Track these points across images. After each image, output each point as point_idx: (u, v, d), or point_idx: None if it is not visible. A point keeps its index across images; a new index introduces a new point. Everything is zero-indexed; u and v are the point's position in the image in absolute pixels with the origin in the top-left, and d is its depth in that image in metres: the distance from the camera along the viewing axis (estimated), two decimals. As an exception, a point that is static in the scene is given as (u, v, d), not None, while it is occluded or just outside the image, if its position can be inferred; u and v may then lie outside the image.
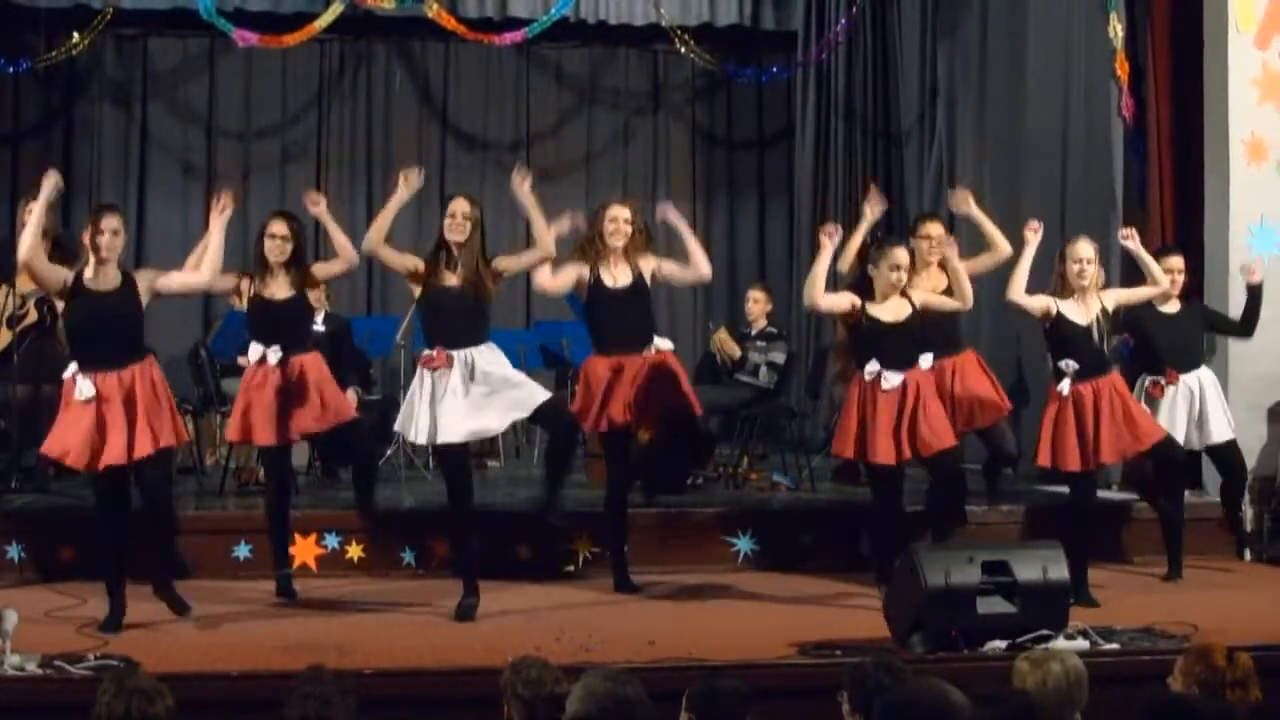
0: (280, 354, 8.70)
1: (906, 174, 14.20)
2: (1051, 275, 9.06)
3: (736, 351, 11.57)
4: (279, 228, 8.92)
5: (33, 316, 10.17)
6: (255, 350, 8.78)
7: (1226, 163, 10.70)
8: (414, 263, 8.62)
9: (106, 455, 7.96)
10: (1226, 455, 9.84)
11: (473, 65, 15.16)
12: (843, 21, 14.13)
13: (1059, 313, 8.90)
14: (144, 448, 8.00)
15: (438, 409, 8.37)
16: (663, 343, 9.10)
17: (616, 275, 9.08)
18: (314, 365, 8.82)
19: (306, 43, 13.79)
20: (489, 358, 8.47)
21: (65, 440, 8.05)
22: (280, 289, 8.83)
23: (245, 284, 8.94)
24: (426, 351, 8.51)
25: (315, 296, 9.30)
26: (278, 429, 8.72)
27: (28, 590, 8.95)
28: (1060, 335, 8.92)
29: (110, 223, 8.18)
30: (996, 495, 10.12)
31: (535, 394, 8.56)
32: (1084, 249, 8.98)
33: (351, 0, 13.23)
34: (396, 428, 8.89)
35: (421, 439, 8.60)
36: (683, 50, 13.95)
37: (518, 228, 14.25)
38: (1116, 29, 10.90)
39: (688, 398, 9.11)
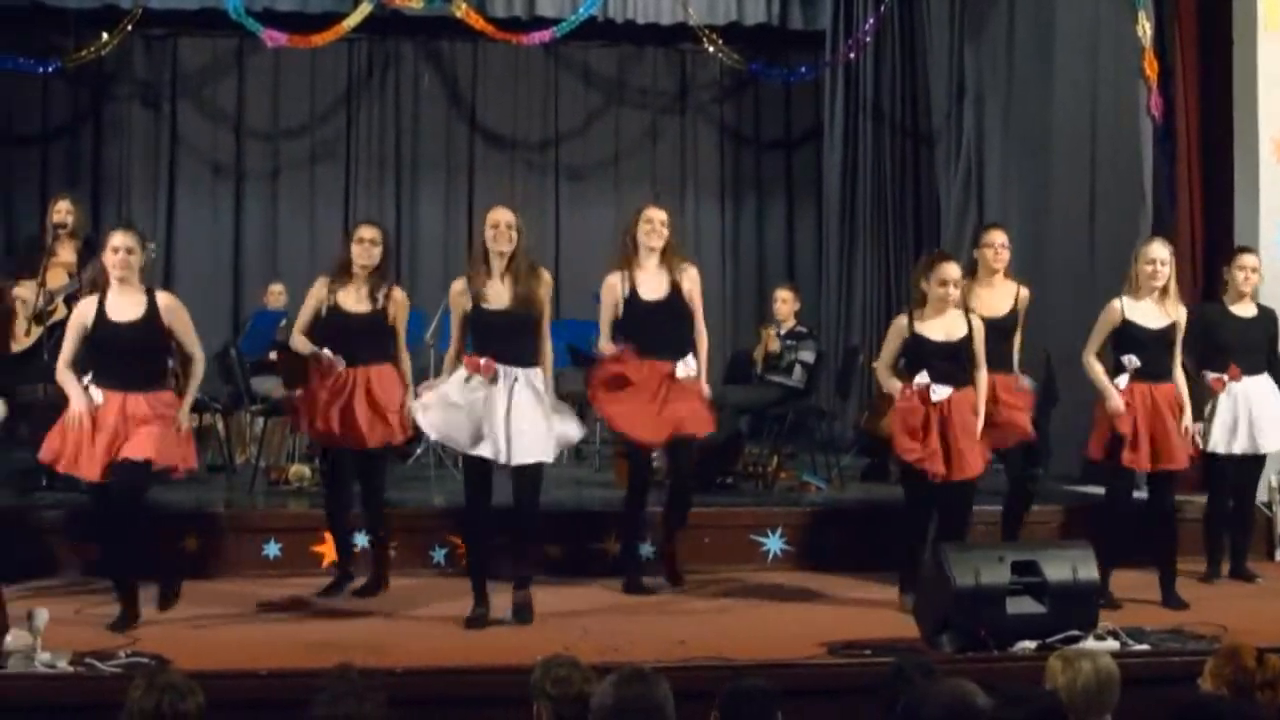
0: (344, 365, 8.67)
1: (936, 173, 14.16)
2: (1124, 275, 8.99)
3: (777, 346, 11.52)
4: (370, 232, 8.84)
5: (61, 313, 10.18)
6: (325, 355, 8.70)
7: (1256, 160, 10.68)
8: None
9: (85, 471, 7.99)
10: (1256, 467, 9.77)
11: (501, 65, 15.18)
12: (870, 21, 14.10)
13: (1125, 316, 8.84)
14: (127, 450, 7.94)
15: (511, 427, 8.16)
16: (689, 365, 9.02)
17: (653, 286, 9.00)
18: (380, 379, 8.74)
19: (335, 43, 13.82)
20: (535, 384, 8.32)
21: (54, 445, 8.09)
22: (358, 300, 8.76)
23: (321, 288, 8.83)
24: (481, 360, 8.28)
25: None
26: (338, 435, 8.70)
27: (59, 588, 8.99)
28: (1126, 335, 8.86)
29: (119, 240, 8.12)
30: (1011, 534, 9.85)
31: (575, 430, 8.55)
32: (1158, 250, 8.89)
33: (380, 0, 13.26)
34: (437, 435, 8.65)
35: (501, 458, 8.21)
36: (710, 50, 13.93)
37: (546, 230, 14.36)
38: (1144, 27, 10.85)
39: (703, 421, 9.05)
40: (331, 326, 8.76)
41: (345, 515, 9.03)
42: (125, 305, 8.11)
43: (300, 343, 8.84)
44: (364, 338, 8.74)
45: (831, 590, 9.20)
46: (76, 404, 8.01)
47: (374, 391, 8.68)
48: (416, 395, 8.61)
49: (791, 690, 5.56)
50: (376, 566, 9.09)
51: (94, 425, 7.97)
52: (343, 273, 8.80)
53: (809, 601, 8.97)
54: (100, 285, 8.27)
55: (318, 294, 8.84)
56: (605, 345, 9.10)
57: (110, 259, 8.09)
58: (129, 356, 8.07)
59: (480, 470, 8.27)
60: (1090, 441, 9.08)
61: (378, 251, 8.79)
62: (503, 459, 8.18)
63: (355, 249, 8.76)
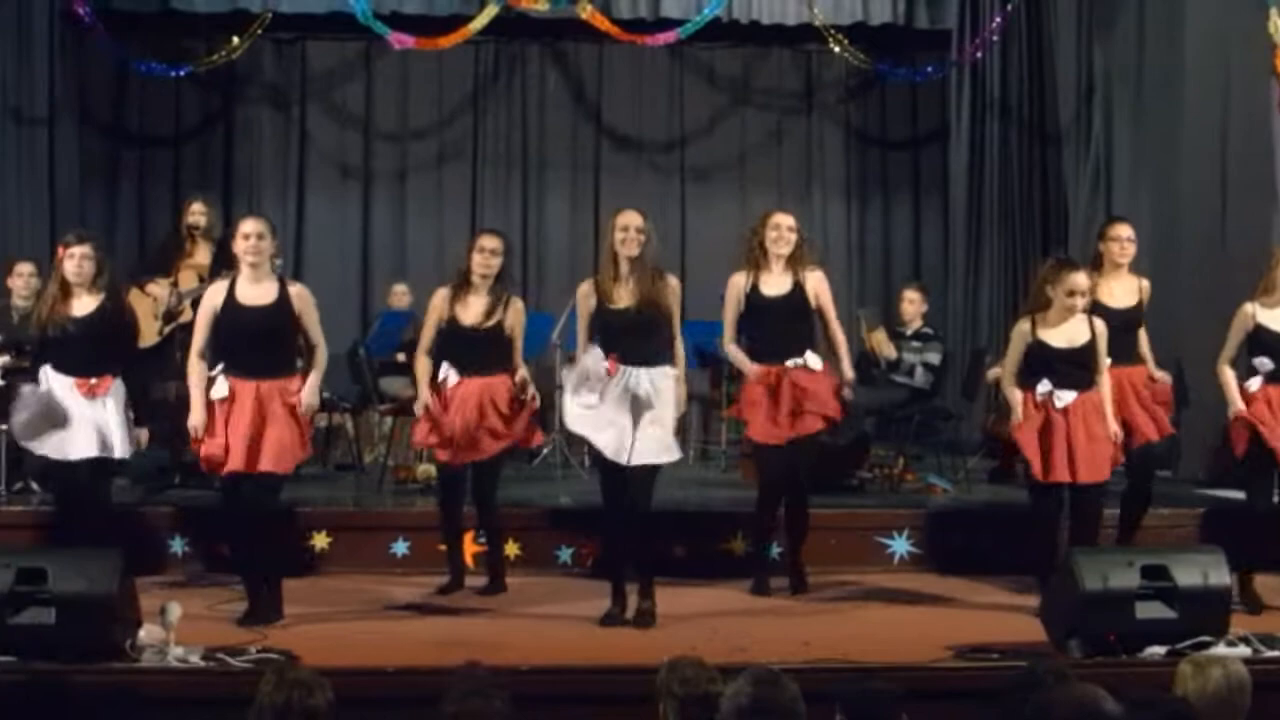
0: (457, 377, 8.72)
1: (1064, 172, 14.03)
2: (1258, 279, 8.88)
3: (892, 352, 11.48)
4: (491, 242, 8.86)
5: (188, 315, 10.33)
6: (443, 371, 8.77)
7: (1389, 155, 10.52)
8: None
9: (230, 462, 8.07)
10: None
11: (625, 66, 15.20)
12: (997, 19, 14.00)
13: (1257, 321, 8.73)
14: (265, 464, 8.06)
15: (632, 427, 8.18)
16: (813, 359, 9.02)
17: (775, 283, 9.00)
18: (496, 390, 8.76)
19: (461, 45, 13.91)
20: (658, 385, 8.34)
21: (204, 449, 8.19)
22: (477, 313, 8.79)
23: (441, 302, 8.85)
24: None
25: None
26: (454, 447, 8.73)
27: (191, 584, 9.13)
28: (1257, 340, 8.75)
29: (250, 227, 8.23)
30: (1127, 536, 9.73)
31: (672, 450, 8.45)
32: None
33: (505, 2, 13.33)
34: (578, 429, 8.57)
35: (622, 458, 8.19)
36: (836, 50, 13.90)
37: (671, 231, 14.36)
38: (1275, 24, 10.71)
39: (829, 417, 9.03)
40: (451, 339, 8.80)
41: (459, 516, 9.07)
42: (256, 291, 8.22)
43: (421, 368, 8.92)
44: (482, 350, 8.76)
45: (957, 593, 9.15)
46: (195, 415, 8.15)
47: (490, 403, 8.70)
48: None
49: (916, 693, 5.54)
50: (493, 567, 9.15)
51: (229, 421, 8.07)
52: (463, 282, 8.82)
53: (934, 604, 8.93)
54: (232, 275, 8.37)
55: (438, 309, 8.86)
56: (730, 347, 9.09)
57: (241, 245, 8.19)
58: (260, 341, 8.16)
59: (616, 469, 8.30)
60: (1230, 442, 8.97)
61: (498, 261, 8.80)
62: (623, 459, 8.19)
63: (476, 258, 8.78)
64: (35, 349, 8.82)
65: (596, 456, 8.51)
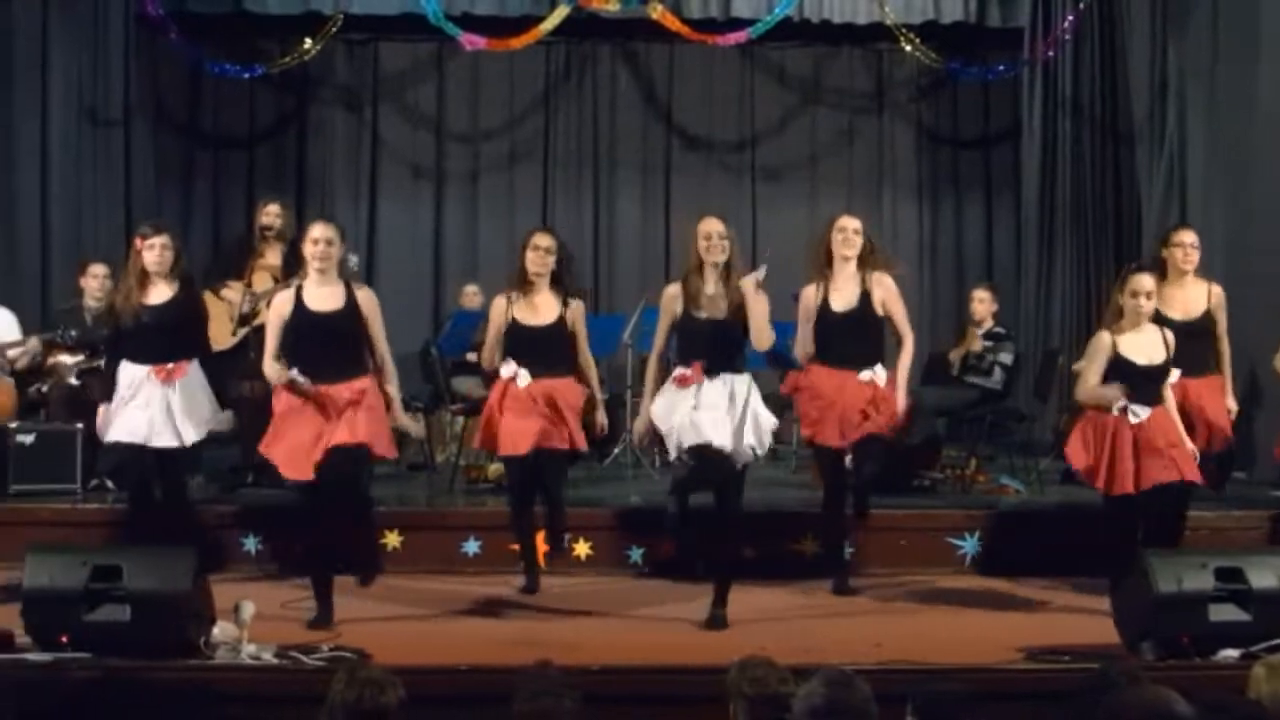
0: (529, 379, 8.69)
1: (1137, 172, 13.93)
2: None
3: (977, 345, 11.40)
4: (544, 240, 8.80)
5: (264, 317, 10.40)
6: (508, 368, 8.73)
7: None
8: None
9: (300, 469, 8.12)
10: None
11: (696, 66, 15.19)
12: (1070, 17, 13.91)
13: None
14: (338, 437, 8.06)
15: (697, 416, 8.19)
16: (879, 372, 8.98)
17: (845, 297, 8.98)
18: (567, 390, 8.74)
19: (532, 45, 13.94)
20: (738, 391, 8.33)
21: (273, 446, 8.26)
22: (539, 312, 8.75)
23: (504, 301, 8.79)
24: (680, 370, 8.37)
25: None
26: (515, 442, 8.68)
27: (263, 583, 9.19)
28: None
29: (319, 232, 8.28)
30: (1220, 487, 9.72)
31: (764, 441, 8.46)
32: None
33: (576, 3, 13.36)
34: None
35: (687, 440, 8.21)
36: (907, 49, 13.85)
37: (742, 231, 14.29)
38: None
39: (886, 431, 8.98)
40: (514, 339, 8.75)
41: (530, 515, 9.06)
42: (324, 295, 8.27)
43: (488, 355, 8.91)
44: (545, 349, 8.72)
45: (1028, 595, 9.12)
46: (281, 402, 8.21)
47: (556, 402, 8.67)
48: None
49: (987, 694, 5.54)
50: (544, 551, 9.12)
51: (300, 422, 8.13)
52: (521, 282, 8.78)
53: (1005, 605, 8.90)
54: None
55: (498, 314, 8.80)
56: (801, 351, 9.08)
57: (310, 250, 8.24)
58: (330, 345, 8.21)
59: (706, 472, 8.29)
60: None
61: (552, 259, 8.74)
62: (689, 440, 8.21)
63: (529, 256, 8.73)
64: (111, 341, 8.97)
65: (694, 454, 8.48)
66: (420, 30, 13.87)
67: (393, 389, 8.42)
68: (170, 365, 8.73)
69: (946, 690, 5.03)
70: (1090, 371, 8.56)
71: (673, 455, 8.43)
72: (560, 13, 13.39)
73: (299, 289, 8.31)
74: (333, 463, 8.06)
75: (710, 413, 8.19)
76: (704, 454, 8.16)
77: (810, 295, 9.06)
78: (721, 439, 8.14)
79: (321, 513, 8.23)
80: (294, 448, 8.12)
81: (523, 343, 8.71)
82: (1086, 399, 8.59)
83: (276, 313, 8.34)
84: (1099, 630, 7.83)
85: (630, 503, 10.43)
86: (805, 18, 14.08)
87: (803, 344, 9.08)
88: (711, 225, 8.35)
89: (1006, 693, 6.63)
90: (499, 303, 8.82)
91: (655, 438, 8.73)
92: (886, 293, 9.00)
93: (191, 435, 8.78)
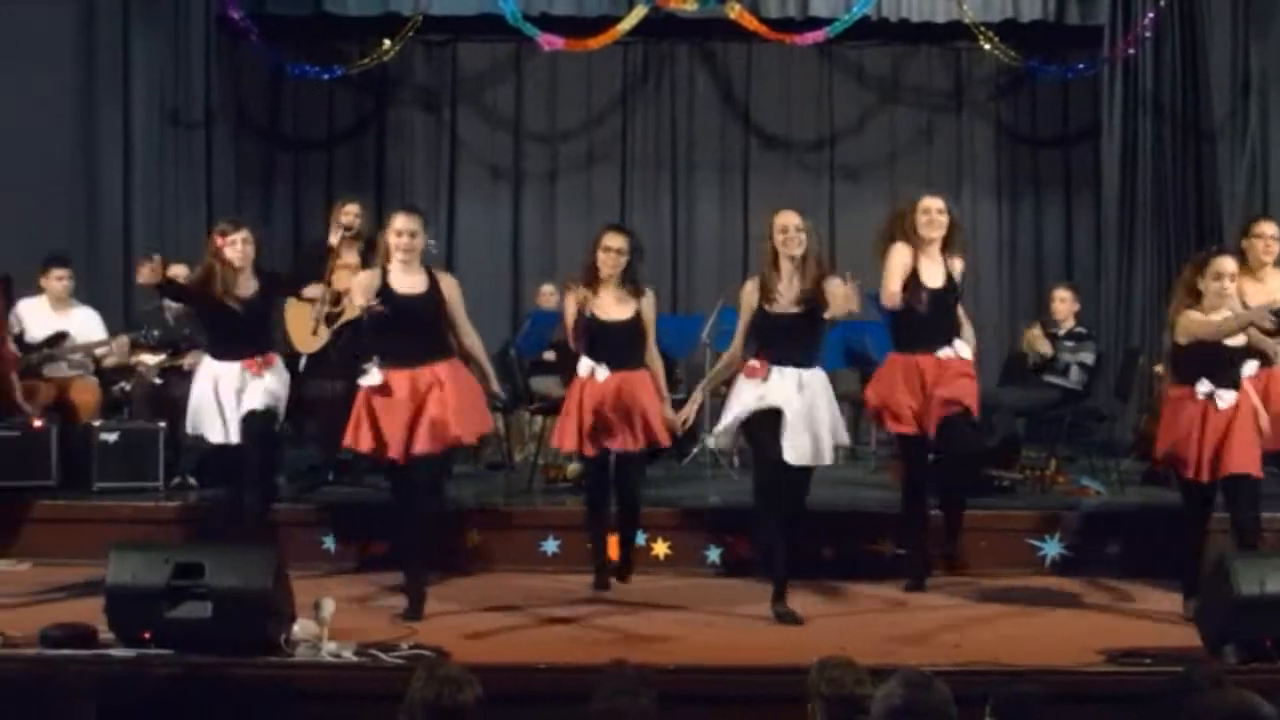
0: (607, 373, 8.71)
1: (1218, 170, 13.81)
2: None
3: (1048, 349, 11.33)
4: (616, 241, 8.80)
5: (349, 313, 10.48)
6: (585, 365, 8.76)
7: None
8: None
9: (391, 449, 8.20)
10: None
11: (774, 65, 15.17)
12: (1150, 15, 13.79)
13: None
14: (420, 445, 8.19)
15: (785, 429, 8.21)
16: (962, 348, 8.97)
17: (934, 272, 8.94)
18: (642, 385, 8.76)
19: (610, 46, 13.95)
20: (811, 386, 8.35)
21: (355, 431, 8.33)
22: (614, 307, 8.77)
23: (576, 297, 8.83)
24: (752, 362, 8.40)
25: None
26: (593, 440, 8.72)
27: (343, 580, 9.24)
28: None
29: (402, 223, 8.37)
30: None
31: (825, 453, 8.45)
32: None
33: (654, 3, 13.37)
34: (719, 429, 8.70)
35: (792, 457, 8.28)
36: (986, 47, 13.78)
37: (820, 231, 14.27)
38: None
39: (970, 408, 8.94)
40: (590, 335, 8.78)
41: (605, 514, 9.08)
42: (408, 281, 8.36)
43: (574, 343, 8.93)
44: (622, 344, 8.75)
45: (1109, 596, 9.06)
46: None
47: (635, 399, 8.70)
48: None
49: (1066, 697, 5.51)
50: (624, 561, 9.14)
51: (386, 411, 8.18)
52: (593, 280, 8.80)
53: (1085, 607, 8.84)
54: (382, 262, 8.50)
55: (572, 305, 8.83)
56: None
57: (394, 241, 8.32)
58: (413, 328, 8.28)
59: (775, 469, 8.29)
60: None
61: (624, 260, 8.75)
62: (788, 457, 8.22)
63: (601, 257, 8.75)
64: (201, 333, 9.16)
65: (755, 454, 8.50)
66: (498, 31, 13.90)
67: (486, 363, 8.60)
68: (260, 358, 8.91)
69: (1025, 692, 5.01)
70: (1207, 324, 8.21)
71: (727, 439, 8.45)
72: (638, 13, 13.41)
73: (384, 271, 8.39)
74: (417, 470, 8.22)
75: (773, 401, 8.22)
76: (761, 456, 8.29)
77: (905, 258, 8.92)
78: (782, 439, 8.19)
79: (411, 496, 8.33)
80: (385, 431, 8.21)
81: (600, 338, 8.75)
82: (1232, 326, 8.20)
83: (360, 285, 8.45)
84: (1180, 633, 7.79)
85: (709, 502, 10.42)
86: (883, 16, 14.04)
87: (889, 289, 8.95)
88: (788, 218, 8.35)
89: (1086, 695, 6.60)
90: (571, 296, 8.88)
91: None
92: (963, 264, 9.03)
93: (257, 402, 8.90)
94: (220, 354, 8.99)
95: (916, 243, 8.94)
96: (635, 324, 8.76)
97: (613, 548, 9.10)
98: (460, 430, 8.38)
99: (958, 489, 9.27)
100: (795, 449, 8.26)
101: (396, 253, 8.29)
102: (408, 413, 8.19)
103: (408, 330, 8.28)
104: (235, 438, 8.89)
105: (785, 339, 8.30)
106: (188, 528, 9.68)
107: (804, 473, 8.40)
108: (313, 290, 10.40)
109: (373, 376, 8.25)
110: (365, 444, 8.33)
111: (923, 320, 8.89)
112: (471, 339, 8.54)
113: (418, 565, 8.42)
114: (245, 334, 8.98)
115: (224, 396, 8.91)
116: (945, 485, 9.24)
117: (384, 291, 8.30)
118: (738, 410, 8.41)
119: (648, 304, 8.83)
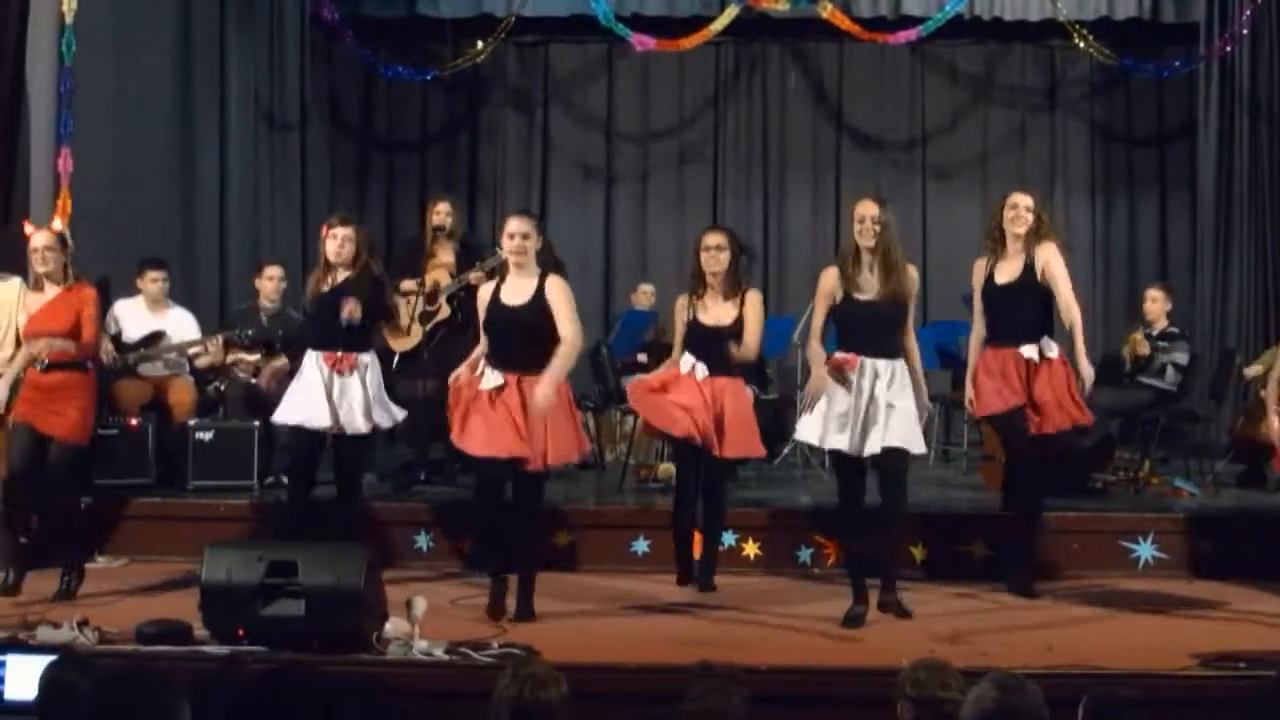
0: (707, 373, 8.74)
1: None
2: None
3: (1147, 350, 11.24)
4: (715, 239, 8.86)
5: (444, 312, 10.55)
6: (686, 362, 8.80)
7: None
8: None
9: (491, 446, 8.17)
10: None
11: (866, 64, 15.15)
12: (1247, 12, 13.66)
13: None
14: (529, 459, 8.16)
15: (868, 418, 8.16)
16: (1048, 346, 8.90)
17: (1009, 270, 8.88)
18: (734, 392, 8.80)
19: (702, 45, 13.98)
20: (896, 376, 8.27)
21: (462, 426, 8.34)
22: (716, 311, 8.81)
23: (684, 300, 8.89)
24: (838, 354, 8.33)
25: None
26: (680, 420, 8.70)
27: (436, 579, 9.29)
28: None
29: (514, 226, 8.36)
30: None
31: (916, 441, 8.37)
32: None
33: (746, 3, 13.37)
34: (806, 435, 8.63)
35: (854, 449, 8.23)
36: (1080, 45, 13.71)
37: (912, 230, 14.28)
38: None
39: (1071, 410, 8.88)
40: (693, 339, 8.82)
41: (687, 513, 9.07)
42: (517, 288, 8.35)
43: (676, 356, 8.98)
44: (717, 349, 8.76)
45: (1203, 600, 8.96)
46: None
47: (726, 404, 8.72)
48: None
49: (1160, 701, 5.47)
50: (705, 561, 9.11)
51: (492, 406, 8.20)
52: (699, 283, 8.83)
53: (1179, 610, 8.75)
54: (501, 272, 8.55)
55: (680, 312, 8.92)
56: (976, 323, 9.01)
57: (506, 245, 8.38)
58: (517, 338, 8.26)
59: (851, 468, 8.28)
60: None
61: (725, 257, 8.77)
62: (855, 450, 8.19)
63: (703, 257, 8.79)
64: (306, 323, 9.22)
65: (835, 455, 8.49)
66: (590, 31, 13.97)
67: (558, 362, 8.24)
68: (339, 355, 8.87)
69: (1119, 695, 4.97)
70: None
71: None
72: (730, 13, 13.42)
73: (500, 281, 8.43)
74: (523, 483, 8.26)
75: (843, 422, 8.19)
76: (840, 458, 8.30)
77: (979, 268, 9.00)
78: (849, 445, 8.17)
79: (521, 498, 8.35)
80: (487, 429, 8.18)
81: (700, 342, 8.78)
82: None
83: (479, 301, 8.51)
84: (1275, 637, 7.70)
85: (799, 503, 10.40)
86: (976, 15, 14.01)
87: (977, 319, 9.00)
88: (865, 208, 8.30)
89: (1180, 699, 6.54)
90: (681, 301, 8.93)
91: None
92: (1046, 262, 8.81)
93: (365, 424, 8.91)
94: (313, 344, 9.02)
95: (1001, 241, 8.90)
96: (735, 331, 8.77)
97: (697, 546, 9.11)
98: (555, 454, 8.33)
99: (1029, 494, 9.16)
100: (848, 440, 8.20)
101: (509, 256, 8.32)
102: (512, 414, 8.16)
103: (511, 340, 8.27)
104: (310, 422, 8.86)
105: (866, 329, 8.25)
106: (278, 525, 9.75)
107: (898, 460, 8.31)
108: (408, 284, 10.46)
109: (492, 379, 8.23)
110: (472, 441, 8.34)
111: (1002, 316, 8.86)
112: (565, 342, 8.28)
113: (526, 565, 8.41)
114: (329, 329, 8.90)
115: (309, 385, 8.90)
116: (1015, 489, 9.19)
117: (492, 303, 8.34)
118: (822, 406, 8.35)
119: (751, 305, 8.83)
